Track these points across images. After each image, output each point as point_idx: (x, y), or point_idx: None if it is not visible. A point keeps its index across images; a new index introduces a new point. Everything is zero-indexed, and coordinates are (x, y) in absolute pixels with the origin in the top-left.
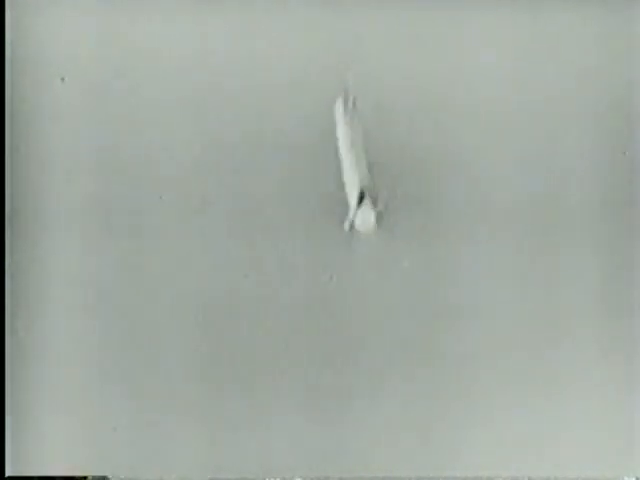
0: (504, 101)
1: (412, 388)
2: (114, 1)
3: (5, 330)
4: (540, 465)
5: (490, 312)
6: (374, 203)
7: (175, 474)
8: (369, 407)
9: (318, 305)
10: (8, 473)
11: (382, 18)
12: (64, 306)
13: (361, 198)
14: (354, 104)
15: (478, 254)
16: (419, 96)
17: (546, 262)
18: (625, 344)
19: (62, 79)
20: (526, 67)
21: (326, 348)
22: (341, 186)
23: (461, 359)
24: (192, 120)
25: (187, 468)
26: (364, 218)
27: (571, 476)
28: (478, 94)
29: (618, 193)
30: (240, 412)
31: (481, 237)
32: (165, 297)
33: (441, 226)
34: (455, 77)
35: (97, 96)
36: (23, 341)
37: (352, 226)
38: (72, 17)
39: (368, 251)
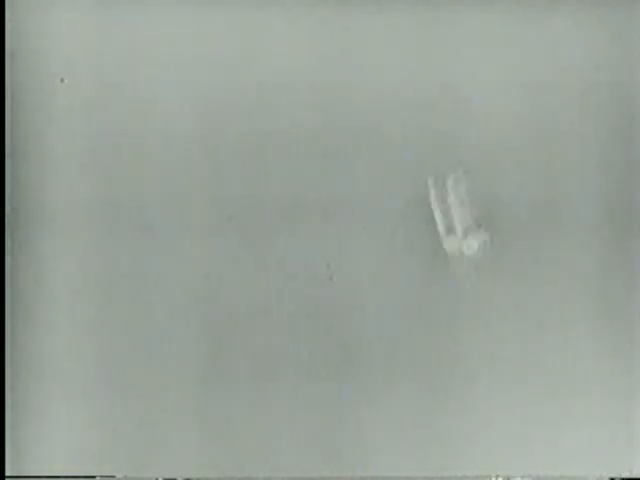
0: (504, 102)
1: (412, 388)
2: (114, 1)
3: (5, 330)
4: (539, 465)
5: (490, 312)
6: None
7: (175, 474)
8: (369, 407)
9: (318, 305)
10: (8, 473)
11: (382, 18)
12: (64, 306)
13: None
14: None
15: (478, 254)
16: (419, 96)
17: (546, 262)
18: (625, 344)
19: (62, 79)
20: (526, 68)
21: (326, 348)
22: (340, 184)
23: (461, 359)
24: (192, 120)
25: (187, 468)
26: (470, 245)
27: (570, 475)
28: (477, 97)
29: (619, 193)
30: (240, 412)
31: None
32: (165, 297)
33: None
34: (454, 79)
35: (97, 96)
36: (23, 341)
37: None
38: (72, 17)
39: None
